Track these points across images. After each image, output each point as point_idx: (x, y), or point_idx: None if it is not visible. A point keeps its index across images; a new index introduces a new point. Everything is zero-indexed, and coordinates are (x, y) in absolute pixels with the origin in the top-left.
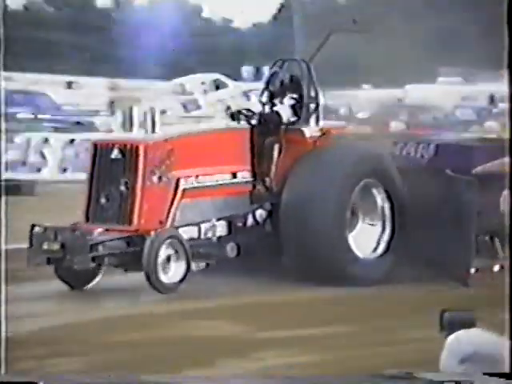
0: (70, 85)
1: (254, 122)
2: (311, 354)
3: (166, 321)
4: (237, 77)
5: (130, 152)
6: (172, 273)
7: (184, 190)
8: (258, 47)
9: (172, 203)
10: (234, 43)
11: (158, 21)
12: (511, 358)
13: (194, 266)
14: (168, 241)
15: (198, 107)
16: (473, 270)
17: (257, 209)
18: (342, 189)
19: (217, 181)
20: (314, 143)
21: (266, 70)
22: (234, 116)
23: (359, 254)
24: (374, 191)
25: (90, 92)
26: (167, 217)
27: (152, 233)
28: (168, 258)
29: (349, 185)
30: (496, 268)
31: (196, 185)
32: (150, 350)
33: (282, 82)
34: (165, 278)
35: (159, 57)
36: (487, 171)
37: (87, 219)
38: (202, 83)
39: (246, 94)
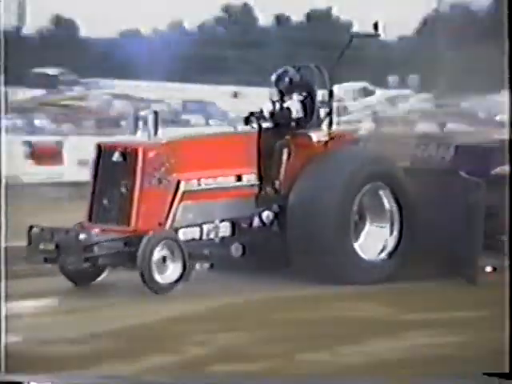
0: (235, 94)
1: (265, 124)
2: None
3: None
4: (383, 85)
5: (129, 155)
6: (168, 273)
7: (184, 192)
8: (402, 58)
9: (171, 205)
10: (381, 55)
11: (313, 36)
12: (511, 357)
13: (197, 265)
14: (163, 242)
15: (348, 113)
16: (489, 269)
17: (263, 210)
18: (346, 192)
19: (220, 184)
20: (323, 147)
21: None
22: (247, 120)
23: (364, 255)
24: (382, 194)
25: (253, 100)
26: (166, 218)
27: (150, 233)
28: (164, 259)
29: (352, 188)
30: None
31: (198, 187)
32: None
33: (290, 81)
34: (159, 278)
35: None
36: (505, 172)
37: (90, 219)
38: (352, 91)
39: (391, 100)
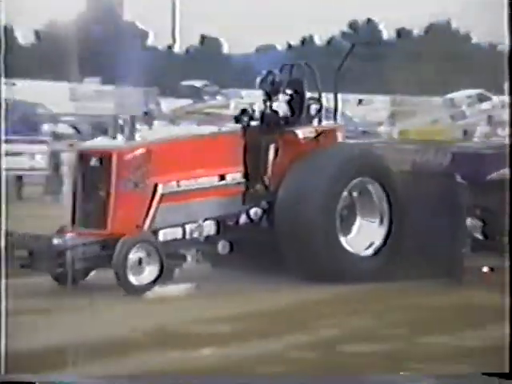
0: (360, 102)
1: (253, 123)
2: None
3: None
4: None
5: (105, 160)
6: (145, 274)
7: (163, 194)
8: None
9: (149, 208)
10: (498, 62)
11: (434, 47)
12: (511, 358)
13: (188, 262)
14: (138, 244)
15: (464, 117)
16: (486, 269)
17: (251, 208)
18: (331, 187)
19: (203, 184)
20: (312, 143)
21: None
22: (238, 118)
23: (352, 250)
24: (371, 189)
25: (376, 107)
26: (144, 220)
27: (124, 236)
28: (140, 261)
29: (338, 183)
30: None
31: (177, 189)
32: None
33: (273, 82)
34: (134, 280)
35: (430, 77)
36: (500, 177)
37: (73, 223)
38: (468, 97)
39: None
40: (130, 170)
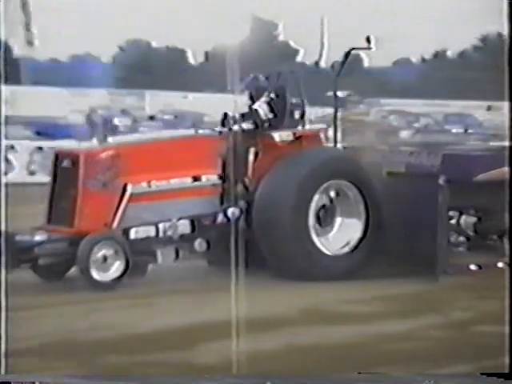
0: (489, 108)
1: (235, 127)
2: None
3: None
4: None
5: (74, 161)
6: (111, 271)
7: (132, 194)
8: None
9: (118, 207)
10: None
11: None
12: (511, 357)
13: (160, 259)
14: (102, 242)
15: None
16: (473, 267)
17: (228, 207)
18: (303, 188)
19: (175, 185)
20: (292, 146)
21: None
22: (224, 122)
23: (325, 250)
24: (347, 191)
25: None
26: (113, 219)
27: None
28: (105, 258)
29: (310, 184)
30: (500, 264)
31: (148, 189)
32: None
33: (259, 87)
34: (98, 276)
35: None
36: (489, 179)
37: (48, 221)
38: None
39: None
40: (97, 171)
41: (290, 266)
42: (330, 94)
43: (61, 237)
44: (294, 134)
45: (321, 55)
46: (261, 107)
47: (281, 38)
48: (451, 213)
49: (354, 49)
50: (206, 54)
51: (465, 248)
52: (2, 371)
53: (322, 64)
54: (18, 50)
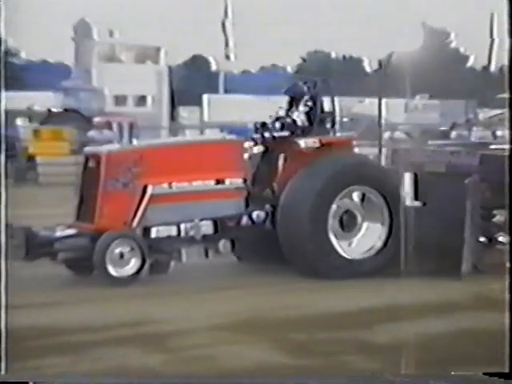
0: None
1: (267, 134)
2: None
3: None
4: None
5: (98, 162)
6: (128, 267)
7: (153, 195)
8: None
9: (138, 207)
10: None
11: None
12: (511, 357)
13: (184, 257)
14: (119, 239)
15: None
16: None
17: (253, 210)
18: (323, 193)
19: (197, 187)
20: (315, 153)
21: None
22: (257, 129)
23: (345, 254)
24: (370, 196)
25: None
26: (133, 218)
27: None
28: (121, 254)
29: (330, 190)
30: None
31: (169, 191)
32: None
33: (298, 94)
34: (114, 272)
35: None
36: None
37: (77, 218)
38: None
39: None
40: (118, 172)
41: (309, 267)
42: (502, 96)
43: (81, 233)
44: (320, 140)
45: (490, 60)
46: (299, 117)
47: (452, 45)
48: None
49: None
50: (380, 62)
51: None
52: (3, 371)
53: (492, 68)
54: (216, 64)
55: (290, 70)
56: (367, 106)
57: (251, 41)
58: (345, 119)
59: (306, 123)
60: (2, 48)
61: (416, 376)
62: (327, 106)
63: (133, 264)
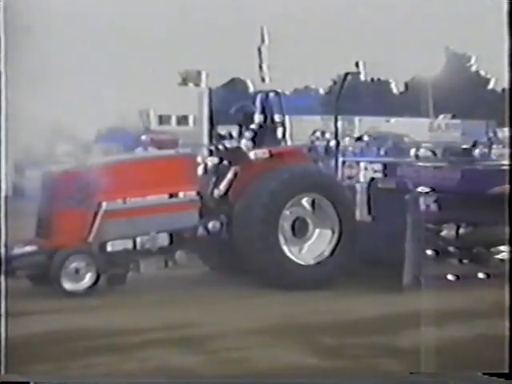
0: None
1: (220, 146)
2: None
3: None
4: None
5: (54, 181)
6: (84, 281)
7: (106, 211)
8: None
9: (93, 223)
10: None
11: None
12: (511, 358)
13: (142, 268)
14: (74, 255)
15: None
16: (451, 277)
17: (209, 221)
18: (272, 201)
19: (151, 201)
20: (265, 164)
21: None
22: (212, 151)
23: (298, 260)
24: (320, 203)
25: None
26: (89, 234)
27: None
28: (77, 270)
29: (280, 198)
30: (481, 275)
31: (124, 206)
32: None
33: (247, 113)
34: (69, 286)
35: None
36: (500, 192)
37: (36, 235)
38: None
39: None
40: (71, 190)
41: (262, 274)
42: None
43: (39, 250)
44: (270, 151)
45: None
46: (244, 144)
47: (473, 68)
48: (445, 225)
49: None
50: (406, 85)
51: (456, 259)
52: (3, 371)
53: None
54: (253, 86)
55: (321, 91)
56: (393, 125)
57: (286, 64)
58: (366, 138)
59: (251, 146)
60: (3, 48)
61: (414, 376)
62: (278, 117)
63: (88, 278)
